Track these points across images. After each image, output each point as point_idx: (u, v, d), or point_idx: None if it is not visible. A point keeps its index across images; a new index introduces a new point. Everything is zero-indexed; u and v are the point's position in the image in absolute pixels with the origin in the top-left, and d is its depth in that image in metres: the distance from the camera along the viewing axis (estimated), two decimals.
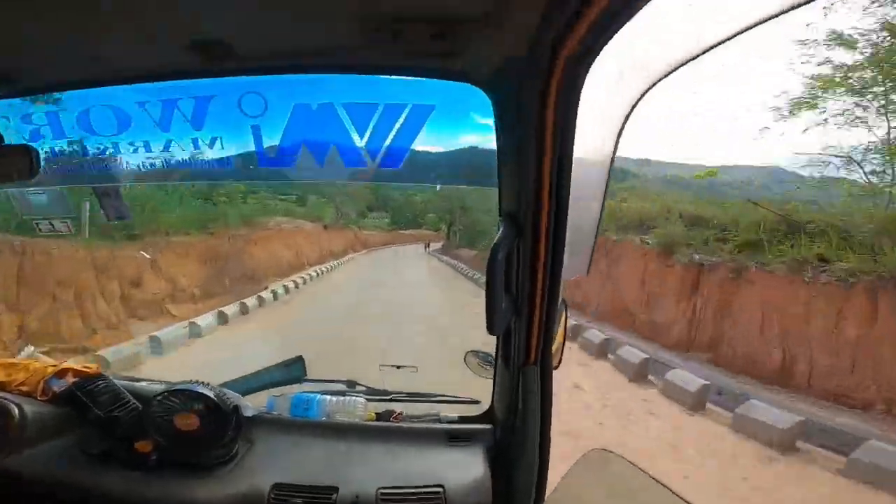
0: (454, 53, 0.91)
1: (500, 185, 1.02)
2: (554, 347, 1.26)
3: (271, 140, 1.12)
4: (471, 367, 1.59)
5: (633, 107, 0.91)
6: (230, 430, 1.24)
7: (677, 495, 0.94)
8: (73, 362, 1.45)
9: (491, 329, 0.98)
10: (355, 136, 1.07)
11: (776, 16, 0.68)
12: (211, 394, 1.25)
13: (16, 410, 1.19)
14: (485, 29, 0.84)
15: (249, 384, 1.58)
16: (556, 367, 1.27)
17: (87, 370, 1.38)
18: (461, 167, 1.12)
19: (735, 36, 0.74)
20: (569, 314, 1.32)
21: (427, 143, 1.07)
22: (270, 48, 1.00)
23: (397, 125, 1.05)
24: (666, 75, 0.85)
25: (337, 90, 1.07)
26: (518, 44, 0.83)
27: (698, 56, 0.79)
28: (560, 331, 1.27)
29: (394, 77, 1.03)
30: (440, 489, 1.16)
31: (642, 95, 0.90)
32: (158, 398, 1.24)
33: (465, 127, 1.06)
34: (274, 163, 1.13)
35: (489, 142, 1.00)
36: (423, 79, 1.01)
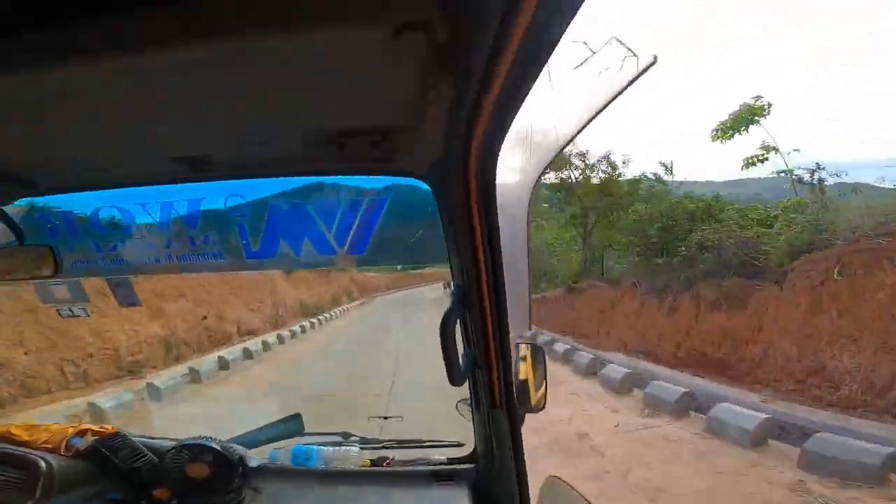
0: (393, 156, 1.10)
1: (449, 261, 1.20)
2: (539, 392, 1.41)
3: (255, 235, 1.31)
4: (462, 413, 1.73)
5: (540, 177, 1.09)
6: (237, 478, 1.41)
7: None
8: (91, 424, 1.62)
9: (452, 381, 1.14)
10: (324, 230, 1.25)
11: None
12: (218, 446, 1.42)
13: (43, 463, 1.35)
14: (411, 136, 1.02)
15: (253, 439, 1.73)
16: (541, 410, 1.40)
17: (105, 430, 1.55)
18: (416, 249, 1.30)
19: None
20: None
21: (386, 230, 1.25)
22: (242, 159, 1.20)
23: (358, 217, 1.23)
24: (563, 147, 1.04)
25: (306, 190, 1.26)
26: (439, 144, 1.02)
27: (580, 132, 0.97)
28: (539, 375, 1.41)
29: (353, 176, 1.22)
30: None
31: (546, 168, 1.08)
32: (172, 451, 1.42)
33: (416, 215, 1.24)
34: (258, 255, 1.31)
35: (439, 226, 1.18)
36: (377, 177, 1.20)
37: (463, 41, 0.71)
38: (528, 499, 1.36)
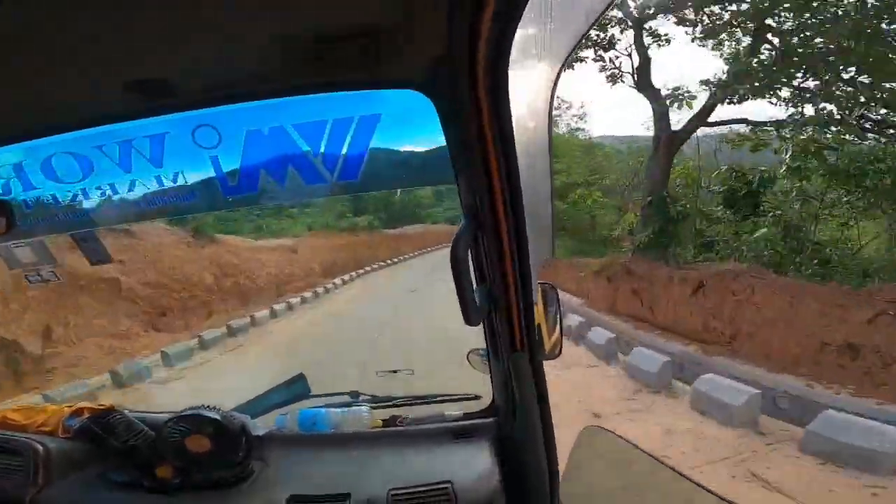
0: (384, 63, 0.94)
1: (456, 182, 1.06)
2: (553, 338, 1.32)
3: (231, 168, 1.15)
4: (474, 364, 1.65)
5: (556, 81, 0.94)
6: (241, 449, 1.31)
7: (664, 464, 1.00)
8: (87, 403, 1.52)
9: (468, 320, 1.03)
10: (310, 155, 1.10)
11: None
12: (217, 416, 1.32)
13: (40, 447, 1.28)
14: (403, 38, 0.87)
15: (256, 407, 1.63)
16: (557, 357, 1.32)
17: (101, 407, 1.46)
18: (418, 169, 1.15)
19: None
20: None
21: (381, 150, 1.10)
22: (207, 83, 1.03)
23: (348, 138, 1.07)
24: (573, 50, 0.89)
25: (285, 112, 1.09)
26: (437, 46, 0.87)
27: (591, 25, 0.83)
28: (552, 318, 1.31)
29: (339, 93, 1.05)
30: (448, 485, 1.21)
31: (562, 67, 0.94)
32: (169, 424, 1.32)
33: (415, 131, 1.09)
34: (236, 190, 1.16)
35: (441, 141, 1.04)
36: (366, 90, 1.04)
37: None
38: (555, 451, 1.28)
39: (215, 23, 0.85)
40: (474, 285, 1.07)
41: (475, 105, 0.89)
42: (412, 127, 1.08)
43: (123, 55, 0.93)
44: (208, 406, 1.36)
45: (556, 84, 0.93)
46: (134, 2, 0.74)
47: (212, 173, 1.17)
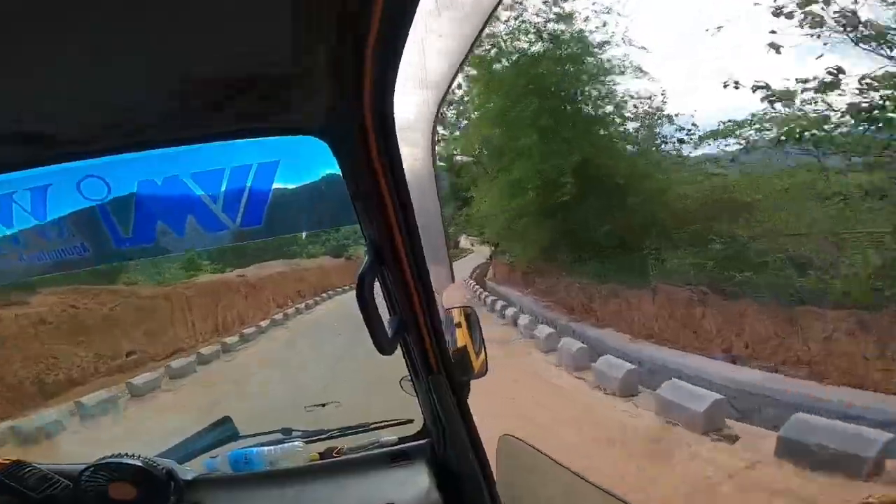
0: (281, 111, 0.96)
1: (358, 220, 1.09)
2: (479, 358, 1.37)
3: (123, 220, 1.10)
4: (406, 390, 1.67)
5: (438, 110, 1.02)
6: (171, 493, 1.25)
7: (576, 474, 1.08)
8: None
9: (381, 350, 1.06)
10: (209, 203, 1.08)
11: None
12: (139, 462, 1.25)
13: None
14: (296, 86, 0.90)
15: (181, 451, 1.56)
16: (484, 375, 1.37)
17: (7, 461, 1.33)
18: (322, 211, 1.17)
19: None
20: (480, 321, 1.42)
21: (284, 195, 1.10)
22: (93, 132, 0.98)
23: (248, 185, 1.07)
24: (457, 73, 0.97)
25: (180, 162, 1.07)
26: (327, 93, 0.91)
27: (468, 54, 0.92)
28: (476, 340, 1.37)
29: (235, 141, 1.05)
30: None
31: (444, 98, 1.01)
32: (87, 473, 1.24)
33: (316, 174, 1.11)
34: (131, 242, 1.11)
35: (342, 183, 1.06)
36: (264, 138, 1.04)
37: None
38: (488, 463, 1.33)
39: (99, 70, 0.82)
40: (386, 317, 1.10)
41: (365, 148, 0.94)
42: (313, 171, 1.10)
43: None
44: (127, 454, 1.29)
45: (437, 113, 1.01)
46: (7, 45, 0.70)
47: (102, 226, 1.11)
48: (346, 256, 18.22)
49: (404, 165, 0.98)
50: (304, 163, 1.09)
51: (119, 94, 0.89)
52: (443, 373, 1.23)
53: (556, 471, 1.12)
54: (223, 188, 1.07)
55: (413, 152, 1.03)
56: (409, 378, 1.61)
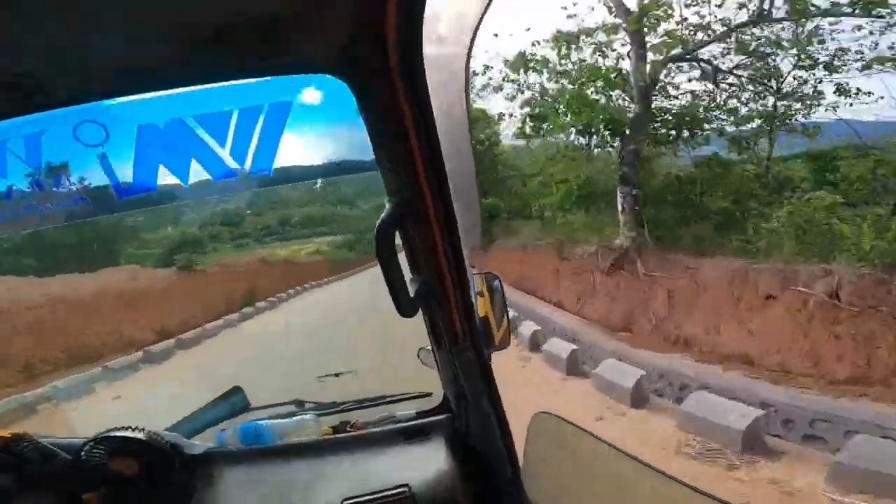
0: (292, 47, 0.87)
1: (379, 168, 1.01)
2: (501, 329, 1.29)
3: (123, 168, 1.02)
4: (425, 361, 1.60)
5: (469, 52, 0.93)
6: (176, 469, 1.19)
7: (621, 451, 1.00)
8: None
9: (401, 312, 0.98)
10: (216, 148, 1.00)
11: None
12: (142, 436, 1.20)
13: None
14: (311, 18, 0.81)
15: (191, 425, 1.51)
16: (506, 347, 1.29)
17: (7, 434, 1.27)
18: (339, 157, 1.09)
19: None
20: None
21: (297, 139, 1.02)
22: (88, 75, 0.90)
23: (258, 128, 0.99)
24: (479, 24, 0.88)
25: (182, 103, 0.98)
26: (346, 23, 0.82)
27: None
28: (498, 309, 1.29)
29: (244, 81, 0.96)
30: (405, 488, 1.17)
31: (473, 38, 0.93)
32: (87, 447, 1.20)
33: (332, 116, 1.03)
34: (132, 191, 1.03)
35: (361, 126, 0.98)
36: (275, 77, 0.96)
37: None
38: (513, 442, 1.26)
39: (93, 7, 0.74)
40: (406, 277, 1.02)
41: (390, 84, 0.85)
42: (329, 113, 1.02)
43: None
44: (130, 427, 1.23)
45: (469, 57, 0.92)
46: None
47: (100, 173, 1.03)
48: (183, 266, 13.50)
49: (435, 107, 0.89)
50: (320, 104, 1.00)
51: (115, 36, 0.81)
52: (469, 343, 1.14)
53: (602, 450, 1.04)
54: (231, 132, 0.99)
55: (443, 95, 0.94)
56: (429, 349, 1.55)
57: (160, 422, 1.44)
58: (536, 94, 12.90)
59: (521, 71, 12.60)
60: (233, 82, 0.96)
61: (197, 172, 1.02)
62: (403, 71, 0.83)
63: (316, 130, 1.04)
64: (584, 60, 11.68)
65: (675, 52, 10.60)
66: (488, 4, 0.93)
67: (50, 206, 1.11)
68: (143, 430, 1.23)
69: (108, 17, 0.75)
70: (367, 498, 1.16)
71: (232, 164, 1.00)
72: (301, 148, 1.04)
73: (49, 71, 0.88)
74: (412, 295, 1.01)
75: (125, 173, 1.03)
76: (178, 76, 0.94)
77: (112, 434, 1.21)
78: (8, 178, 1.13)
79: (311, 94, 1.00)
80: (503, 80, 13.15)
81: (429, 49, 0.83)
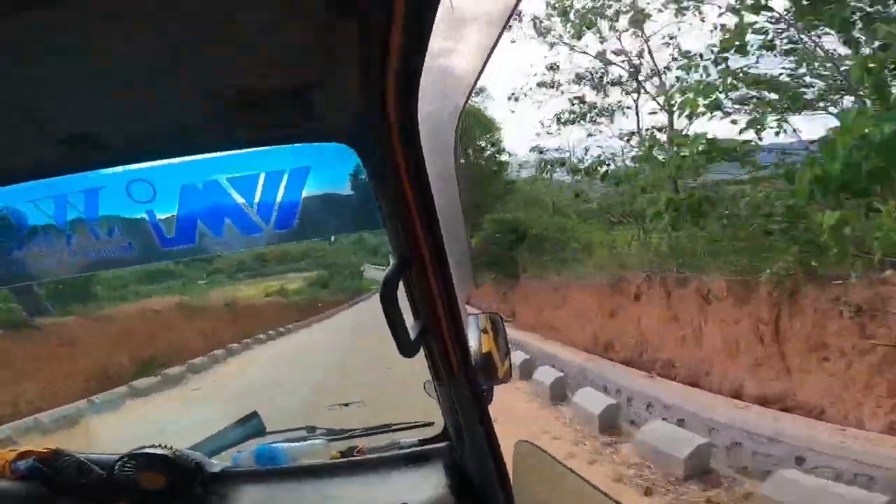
0: (310, 118, 1.01)
1: (384, 226, 1.12)
2: (505, 364, 1.39)
3: (167, 222, 1.17)
4: (430, 393, 1.70)
5: (461, 113, 1.04)
6: (197, 484, 1.32)
7: (591, 484, 1.08)
8: (32, 446, 1.49)
9: (403, 353, 1.09)
10: (245, 206, 1.14)
11: None
12: (169, 453, 1.33)
13: None
14: (325, 94, 0.94)
15: (209, 446, 1.63)
16: (508, 381, 1.39)
17: (48, 449, 1.44)
18: (350, 216, 1.21)
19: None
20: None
21: (315, 200, 1.15)
22: (140, 138, 1.05)
23: (281, 189, 1.12)
24: (477, 80, 0.99)
25: (218, 167, 1.13)
26: (356, 100, 0.94)
27: (489, 55, 0.94)
28: (501, 346, 1.38)
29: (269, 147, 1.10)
30: None
31: (466, 102, 1.03)
32: (120, 463, 1.33)
33: (344, 180, 1.15)
34: (174, 242, 1.18)
35: (369, 189, 1.10)
36: (295, 144, 1.09)
37: None
38: (506, 470, 1.34)
39: (145, 81, 0.88)
40: (409, 321, 1.13)
41: (391, 151, 0.97)
42: (342, 176, 1.14)
43: (53, 110, 0.95)
44: (157, 445, 1.37)
45: (462, 114, 1.03)
46: (62, 56, 0.77)
47: (148, 226, 1.19)
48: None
49: (428, 169, 1.00)
50: (333, 168, 1.13)
51: (162, 105, 0.95)
52: (464, 377, 1.25)
53: (570, 480, 1.12)
54: (258, 192, 1.13)
55: (438, 154, 1.05)
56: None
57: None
58: None
59: None
60: (259, 148, 1.11)
61: (229, 227, 1.16)
62: (402, 139, 0.96)
63: (331, 191, 1.17)
64: None
65: None
66: (484, 65, 1.05)
67: (101, 252, 1.27)
68: (170, 448, 1.37)
69: (160, 84, 0.88)
70: None
71: (259, 221, 1.14)
72: (319, 206, 1.16)
73: (107, 131, 1.03)
74: (412, 338, 1.12)
75: (169, 227, 1.17)
76: (214, 141, 1.09)
77: (141, 451, 1.34)
78: (68, 228, 1.31)
79: (326, 159, 1.13)
80: None
81: (427, 108, 0.95)
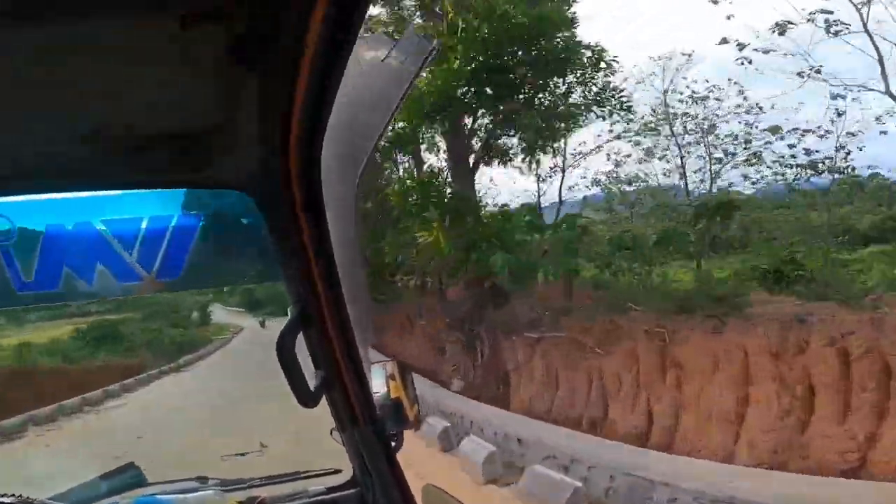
0: (206, 166, 0.93)
1: (284, 278, 1.06)
2: (414, 409, 1.36)
3: (27, 264, 1.03)
4: (336, 440, 1.62)
5: (363, 170, 1.03)
6: None
7: None
8: None
9: (303, 403, 1.04)
10: (122, 252, 1.02)
11: None
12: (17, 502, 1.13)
13: None
14: (224, 142, 0.89)
15: (79, 496, 1.44)
16: (417, 429, 1.36)
17: None
18: (245, 267, 1.13)
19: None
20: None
21: (205, 248, 1.06)
22: (3, 173, 0.92)
23: (167, 236, 1.02)
24: (380, 137, 0.98)
25: (93, 206, 1.01)
26: (255, 151, 0.91)
27: (391, 118, 0.94)
28: (410, 392, 1.36)
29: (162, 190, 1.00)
30: None
31: (365, 164, 1.02)
32: None
33: (241, 228, 1.07)
34: (33, 287, 1.03)
35: (266, 238, 1.03)
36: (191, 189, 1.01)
37: (262, 34, 0.65)
38: None
39: (22, 113, 0.77)
40: (309, 371, 1.08)
41: (290, 204, 0.93)
42: (238, 225, 1.06)
43: None
44: (10, 494, 1.16)
45: (365, 164, 1.02)
46: None
47: (2, 267, 1.03)
48: None
49: (329, 218, 0.97)
50: (230, 217, 1.06)
51: (34, 138, 0.84)
52: (369, 424, 1.20)
53: None
54: (139, 237, 1.02)
55: (339, 205, 1.03)
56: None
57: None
58: None
59: None
60: (147, 190, 1.01)
61: (101, 274, 1.03)
62: (303, 190, 0.92)
63: (226, 240, 1.09)
64: None
65: None
66: (388, 121, 1.04)
67: None
68: (26, 497, 1.17)
69: (31, 118, 0.78)
70: None
71: (138, 269, 1.02)
72: (211, 256, 1.07)
73: None
74: (313, 387, 1.06)
75: (27, 269, 1.02)
76: (95, 179, 0.97)
77: None
78: None
79: (223, 207, 1.05)
80: None
81: (330, 160, 0.91)
